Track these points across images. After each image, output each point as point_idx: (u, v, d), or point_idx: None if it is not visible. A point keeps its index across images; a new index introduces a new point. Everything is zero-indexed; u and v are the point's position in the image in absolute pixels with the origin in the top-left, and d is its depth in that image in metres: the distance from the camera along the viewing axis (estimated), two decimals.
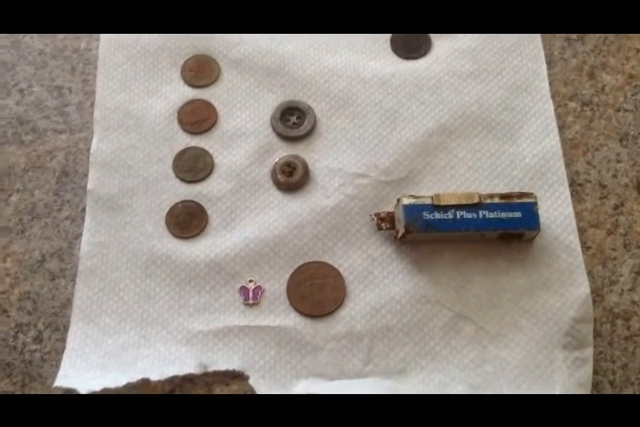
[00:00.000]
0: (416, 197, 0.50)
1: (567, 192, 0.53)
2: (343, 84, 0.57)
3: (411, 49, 0.58)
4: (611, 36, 0.59)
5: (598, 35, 0.59)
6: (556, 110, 0.56)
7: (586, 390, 0.47)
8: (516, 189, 0.53)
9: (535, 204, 0.50)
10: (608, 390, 0.48)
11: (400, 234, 0.50)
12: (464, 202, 0.50)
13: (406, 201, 0.50)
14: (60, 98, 0.56)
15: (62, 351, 0.48)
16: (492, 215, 0.49)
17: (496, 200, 0.50)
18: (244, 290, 0.50)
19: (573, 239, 0.52)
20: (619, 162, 0.55)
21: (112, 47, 0.58)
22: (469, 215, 0.49)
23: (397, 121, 0.55)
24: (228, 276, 0.50)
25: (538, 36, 0.59)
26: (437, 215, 0.49)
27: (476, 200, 0.50)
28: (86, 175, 0.53)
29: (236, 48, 0.58)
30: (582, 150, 0.55)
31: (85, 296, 0.50)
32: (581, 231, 0.52)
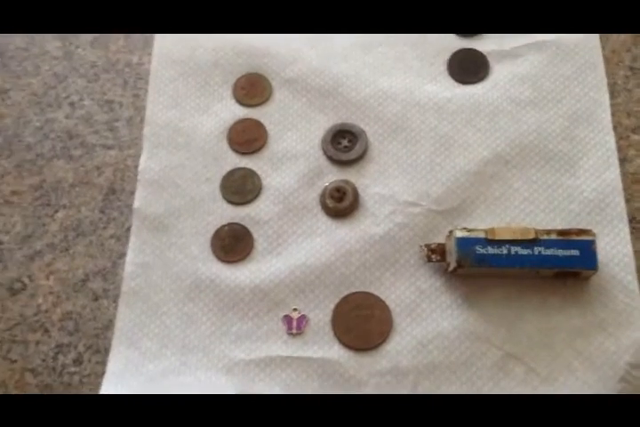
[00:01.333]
0: (469, 230, 0.47)
1: (627, 229, 0.50)
2: (397, 108, 0.54)
3: (468, 73, 0.56)
4: None
5: None
6: (617, 142, 0.53)
7: None
8: (573, 224, 0.50)
9: (594, 242, 0.47)
10: None
11: (451, 268, 0.47)
12: (519, 237, 0.47)
13: (459, 234, 0.47)
14: (111, 112, 0.54)
15: (102, 375, 0.46)
16: (548, 252, 0.47)
17: (553, 237, 0.47)
18: (287, 319, 0.48)
19: (631, 280, 0.49)
20: None
21: (164, 62, 0.56)
22: (524, 251, 0.47)
23: (452, 148, 0.53)
24: (271, 303, 0.48)
25: (601, 64, 0.56)
26: (491, 250, 0.47)
27: (531, 236, 0.47)
28: (133, 193, 0.51)
29: (289, 67, 0.55)
30: None
31: (128, 319, 0.48)
32: None
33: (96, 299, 0.49)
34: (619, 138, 0.53)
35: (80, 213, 0.51)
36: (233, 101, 0.55)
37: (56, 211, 0.51)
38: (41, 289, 0.49)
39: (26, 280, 0.49)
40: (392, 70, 0.56)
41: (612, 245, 0.50)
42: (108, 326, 0.48)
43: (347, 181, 0.52)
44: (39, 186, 0.52)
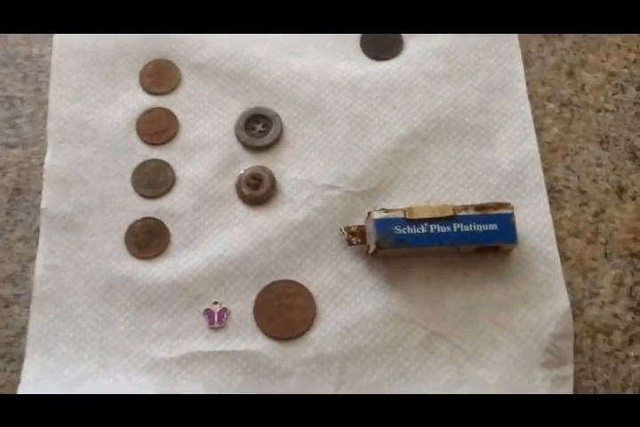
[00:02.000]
0: (387, 211, 0.46)
1: (545, 199, 0.49)
2: (311, 89, 0.52)
3: (382, 49, 0.54)
4: None
5: None
6: (533, 112, 0.52)
7: None
8: (493, 197, 0.50)
9: (512, 215, 0.46)
10: None
11: (371, 250, 0.46)
12: (438, 215, 0.46)
13: (377, 215, 0.46)
14: (12, 109, 0.51)
15: (17, 384, 0.44)
16: (467, 228, 0.46)
17: (471, 212, 0.46)
18: (208, 313, 0.46)
19: (552, 250, 0.48)
20: (599, 166, 0.51)
21: (66, 53, 0.53)
22: (443, 229, 0.46)
23: (368, 127, 0.51)
24: (191, 298, 0.47)
25: (514, 34, 0.54)
26: (410, 230, 0.46)
27: (449, 213, 0.46)
28: (40, 193, 0.49)
29: (197, 52, 0.53)
30: (561, 154, 0.51)
31: (40, 324, 0.46)
32: (560, 241, 0.49)
33: (7, 305, 0.46)
34: (534, 107, 0.52)
35: None
36: (140, 90, 0.52)
37: None
38: None
39: None
40: (304, 50, 0.54)
41: (532, 217, 0.49)
42: (21, 332, 0.46)
43: (263, 168, 0.50)
44: None
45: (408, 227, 0.46)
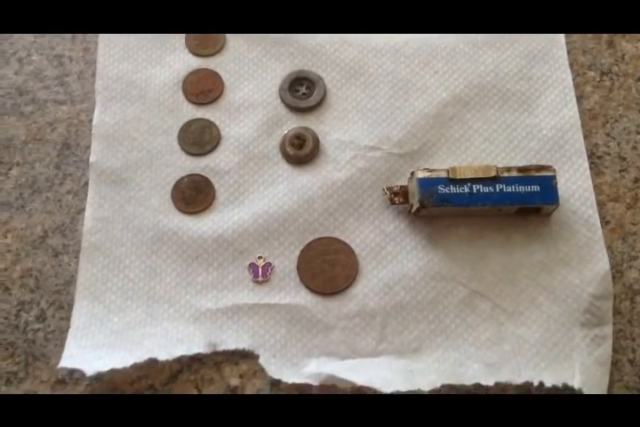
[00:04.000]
0: (431, 171, 0.45)
1: (586, 165, 0.49)
2: (354, 53, 0.52)
3: None
4: None
5: None
6: (574, 80, 0.51)
7: (605, 368, 0.43)
8: (534, 162, 0.49)
9: (554, 177, 0.45)
10: (627, 369, 0.44)
11: (414, 209, 0.46)
12: (481, 175, 0.45)
13: (421, 175, 0.45)
14: (61, 67, 0.51)
15: (66, 330, 0.44)
16: (509, 189, 0.45)
17: (514, 174, 0.45)
18: (253, 267, 0.46)
19: (592, 214, 0.47)
20: (639, 133, 0.50)
21: None
22: (486, 189, 0.45)
23: (410, 91, 0.51)
24: (236, 252, 0.46)
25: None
26: (453, 189, 0.45)
27: (493, 174, 0.45)
28: (88, 148, 0.48)
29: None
30: (601, 121, 0.50)
31: (89, 273, 0.46)
32: (600, 205, 0.48)
33: (56, 255, 0.46)
34: (575, 75, 0.52)
35: (34, 170, 0.48)
36: (186, 52, 0.52)
37: (9, 168, 0.48)
38: None
39: None
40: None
41: (573, 181, 0.48)
42: (70, 281, 0.45)
43: (306, 128, 0.49)
44: None
45: (451, 186, 0.45)
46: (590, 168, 0.49)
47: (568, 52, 0.52)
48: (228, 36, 0.52)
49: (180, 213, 0.47)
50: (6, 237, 0.47)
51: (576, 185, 0.48)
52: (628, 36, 0.53)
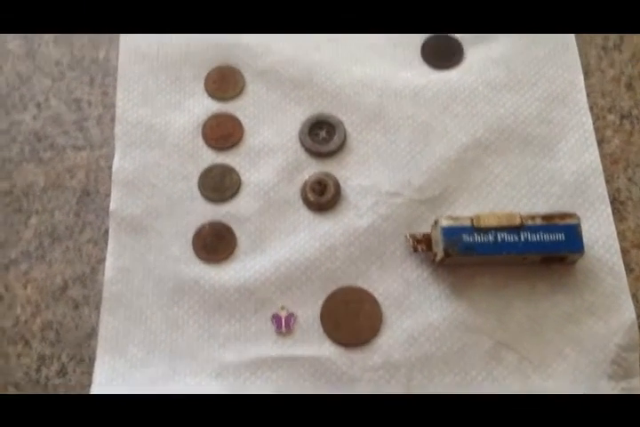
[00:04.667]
0: (454, 219, 0.44)
1: (609, 210, 0.48)
2: (373, 97, 0.51)
3: (442, 58, 0.53)
4: None
5: (635, 43, 0.53)
6: (594, 123, 0.51)
7: None
8: (556, 207, 0.48)
9: (579, 225, 0.44)
10: None
11: (438, 257, 0.45)
12: (505, 224, 0.44)
13: (445, 223, 0.44)
14: (79, 112, 0.50)
15: (88, 385, 0.43)
16: (534, 238, 0.44)
17: (538, 222, 0.45)
18: (276, 318, 0.45)
19: (617, 261, 0.47)
20: None
21: (132, 58, 0.52)
22: (511, 238, 0.44)
23: (430, 135, 0.50)
24: (258, 302, 0.45)
25: (573, 44, 0.53)
26: (477, 238, 0.44)
27: (517, 222, 0.44)
28: (108, 195, 0.48)
29: (261, 58, 0.52)
30: (623, 166, 0.50)
31: (111, 326, 0.45)
32: (624, 252, 0.47)
33: (77, 307, 0.45)
34: (595, 119, 0.51)
35: (54, 218, 0.47)
36: (205, 96, 0.51)
37: (29, 217, 0.47)
38: (19, 299, 0.45)
39: (2, 291, 0.46)
40: (366, 58, 0.52)
41: (596, 227, 0.48)
42: (91, 334, 0.44)
43: (327, 174, 0.48)
44: (9, 191, 0.48)
45: (475, 235, 0.44)
46: (613, 214, 0.48)
47: (587, 95, 0.52)
48: (248, 79, 0.51)
49: (201, 261, 0.46)
50: (26, 289, 0.46)
51: (599, 231, 0.47)
52: None
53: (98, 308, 0.45)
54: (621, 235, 0.48)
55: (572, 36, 0.53)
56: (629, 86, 0.52)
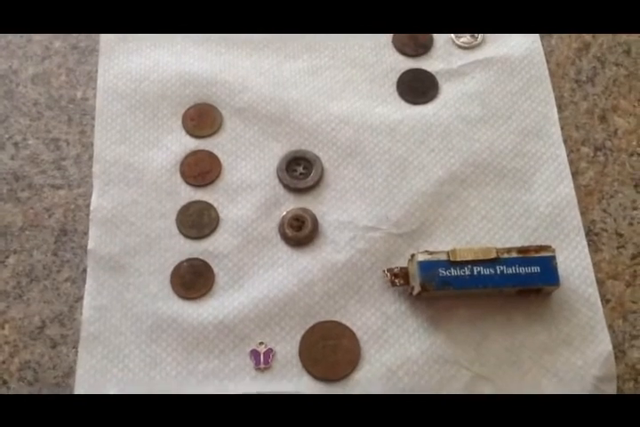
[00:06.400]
0: (431, 253, 0.48)
1: (584, 242, 0.52)
2: (350, 132, 0.55)
3: (418, 93, 0.57)
4: (620, 77, 0.58)
5: (607, 76, 0.58)
6: (568, 156, 0.55)
7: None
8: (532, 240, 0.52)
9: (554, 258, 0.48)
10: None
11: (416, 292, 0.48)
12: (481, 257, 0.48)
13: (421, 257, 0.48)
14: (57, 151, 0.54)
15: None
16: (510, 271, 0.48)
17: (513, 255, 0.48)
18: (254, 354, 0.48)
19: (592, 292, 0.50)
20: (634, 209, 0.54)
21: (110, 96, 0.56)
22: (487, 271, 0.48)
23: (407, 170, 0.54)
24: (237, 339, 0.49)
25: (547, 78, 0.58)
26: (454, 272, 0.48)
27: (493, 255, 0.48)
28: (86, 233, 0.51)
29: (238, 95, 0.56)
30: (597, 197, 0.54)
31: (89, 365, 0.48)
32: (600, 283, 0.51)
33: (55, 346, 0.48)
34: (569, 151, 0.55)
35: (32, 258, 0.51)
36: (183, 133, 0.55)
37: (7, 256, 0.51)
38: None
39: None
40: (342, 94, 0.57)
41: (572, 259, 0.52)
42: (69, 373, 0.47)
43: (305, 209, 0.52)
44: None
45: (452, 269, 0.48)
46: (588, 245, 0.52)
47: (561, 128, 0.56)
48: (225, 116, 0.56)
49: (179, 298, 0.50)
50: (4, 329, 0.49)
51: (575, 263, 0.51)
52: (619, 110, 0.57)
53: (76, 347, 0.48)
54: (597, 266, 0.51)
55: (545, 68, 0.58)
56: (603, 119, 0.57)
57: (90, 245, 0.51)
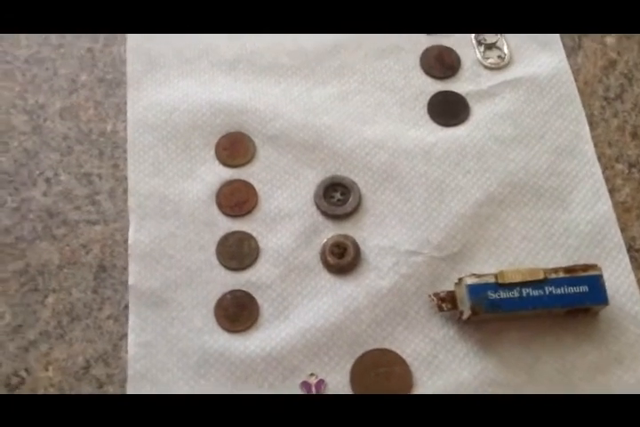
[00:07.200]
0: (479, 276, 0.49)
1: (627, 259, 0.53)
2: (385, 156, 0.56)
3: (449, 115, 0.58)
4: None
5: (636, 93, 0.60)
6: (603, 173, 0.56)
7: None
8: (575, 258, 0.53)
9: (601, 276, 0.49)
10: None
11: (465, 315, 0.49)
12: (529, 279, 0.49)
13: (470, 281, 0.49)
14: (90, 186, 0.54)
15: None
16: (558, 291, 0.49)
17: (561, 275, 0.49)
18: (305, 385, 0.48)
19: (639, 309, 0.51)
20: None
21: (141, 128, 0.56)
22: (535, 293, 0.49)
23: (444, 192, 0.55)
24: (286, 371, 0.49)
25: (576, 96, 0.59)
26: (503, 294, 0.48)
27: (541, 276, 0.49)
28: (125, 269, 0.51)
29: (270, 123, 0.57)
30: (635, 214, 0.55)
31: None
32: None
33: (101, 386, 0.48)
34: (604, 168, 0.56)
35: (72, 296, 0.51)
36: (217, 163, 0.56)
37: (46, 296, 0.51)
38: (41, 382, 0.48)
39: (23, 374, 0.48)
40: (374, 118, 0.58)
41: (616, 276, 0.52)
42: None
43: (346, 236, 0.53)
44: (24, 271, 0.51)
45: (501, 291, 0.48)
46: (631, 262, 0.53)
47: (595, 146, 0.57)
48: (258, 144, 0.56)
49: (224, 331, 0.50)
50: (48, 370, 0.49)
51: (620, 280, 0.52)
52: None
53: (123, 386, 0.48)
54: None
55: (574, 87, 0.59)
56: (634, 135, 0.58)
57: (130, 281, 0.51)
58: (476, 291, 0.48)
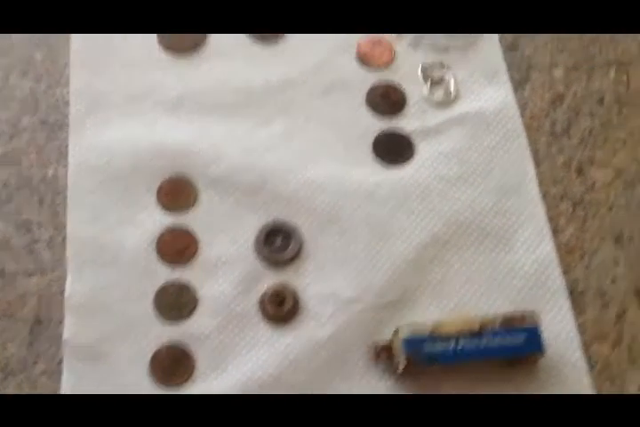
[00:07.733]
0: (414, 329, 0.44)
1: (568, 304, 0.48)
2: (328, 198, 0.50)
3: (394, 155, 0.52)
4: (596, 128, 0.54)
5: (582, 127, 0.53)
6: (547, 212, 0.51)
7: None
8: (517, 301, 0.48)
9: (538, 327, 0.45)
10: None
11: (400, 368, 0.44)
12: (465, 329, 0.44)
13: (404, 334, 0.44)
14: (29, 234, 0.48)
15: None
16: (494, 343, 0.44)
17: (497, 326, 0.44)
18: None
19: (579, 356, 0.46)
20: (616, 266, 0.49)
21: (82, 172, 0.50)
22: (471, 345, 0.44)
23: (388, 234, 0.49)
24: None
25: (523, 131, 0.53)
26: (439, 346, 0.44)
27: (476, 327, 0.44)
28: (61, 322, 0.46)
29: (213, 166, 0.51)
30: (579, 254, 0.50)
31: None
32: (586, 345, 0.47)
33: None
34: (548, 208, 0.51)
35: (7, 351, 0.45)
36: (158, 209, 0.50)
37: None
38: None
39: None
40: (318, 158, 0.52)
41: (558, 321, 0.48)
42: None
43: (285, 285, 0.47)
44: None
45: (437, 344, 0.44)
46: (572, 305, 0.48)
47: (539, 184, 0.52)
48: (200, 188, 0.50)
49: (161, 386, 0.45)
50: None
51: (560, 326, 0.48)
52: (596, 162, 0.52)
53: None
54: (582, 327, 0.48)
55: (520, 122, 0.53)
56: (580, 171, 0.52)
57: (65, 335, 0.46)
58: (412, 344, 0.44)
